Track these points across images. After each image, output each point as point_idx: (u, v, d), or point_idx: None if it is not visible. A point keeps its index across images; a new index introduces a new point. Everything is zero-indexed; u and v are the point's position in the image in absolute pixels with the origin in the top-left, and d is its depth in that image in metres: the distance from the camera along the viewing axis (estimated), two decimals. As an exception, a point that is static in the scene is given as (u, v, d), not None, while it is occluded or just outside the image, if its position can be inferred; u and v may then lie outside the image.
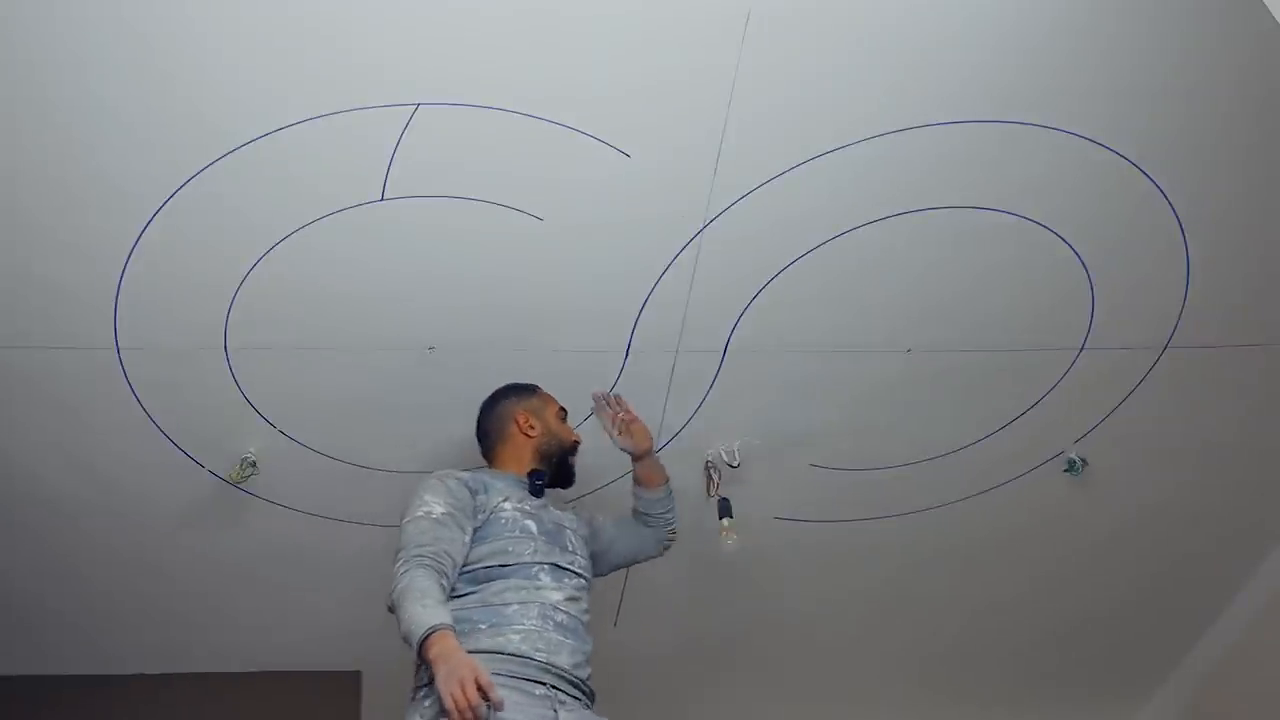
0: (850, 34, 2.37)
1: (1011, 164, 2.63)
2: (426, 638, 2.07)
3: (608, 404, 2.87)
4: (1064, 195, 2.71)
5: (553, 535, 2.49)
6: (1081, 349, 3.02)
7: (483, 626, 2.26)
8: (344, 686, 3.59)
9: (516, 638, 2.24)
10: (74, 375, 2.70)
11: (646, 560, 2.92)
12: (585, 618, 2.44)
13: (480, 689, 2.00)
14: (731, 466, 3.10)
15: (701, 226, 2.66)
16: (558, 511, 2.60)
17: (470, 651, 2.11)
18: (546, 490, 2.62)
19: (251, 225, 2.53)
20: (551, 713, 2.17)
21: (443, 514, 2.36)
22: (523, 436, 2.68)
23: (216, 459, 2.91)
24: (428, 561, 2.23)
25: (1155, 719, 4.09)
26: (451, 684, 1.98)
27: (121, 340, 2.66)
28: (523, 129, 2.43)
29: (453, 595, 2.28)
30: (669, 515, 2.89)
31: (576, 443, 2.73)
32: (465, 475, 2.52)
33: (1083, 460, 3.23)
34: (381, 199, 2.52)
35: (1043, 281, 2.87)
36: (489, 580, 2.34)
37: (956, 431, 3.17)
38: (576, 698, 2.28)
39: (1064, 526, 3.46)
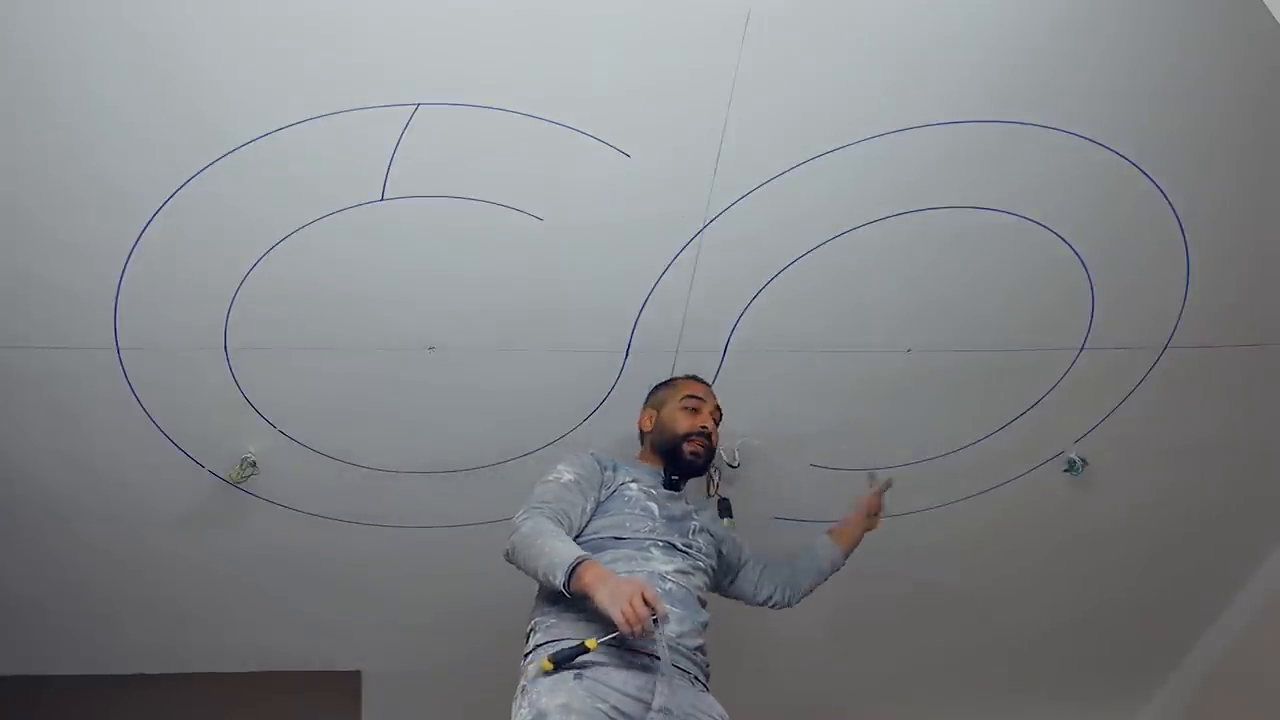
0: (850, 34, 2.37)
1: (1011, 164, 2.63)
2: (575, 568, 2.12)
3: (878, 487, 3.05)
4: (1064, 195, 2.71)
5: (674, 521, 2.50)
6: (1081, 349, 3.02)
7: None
8: (344, 686, 3.59)
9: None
10: (74, 375, 2.70)
11: (756, 602, 2.83)
12: (699, 592, 2.43)
13: (647, 602, 2.06)
14: (731, 466, 3.09)
15: (701, 226, 2.66)
16: (688, 506, 2.60)
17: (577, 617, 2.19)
18: (697, 496, 2.69)
19: (251, 225, 2.53)
20: (651, 683, 2.16)
21: (570, 480, 2.45)
22: (644, 433, 2.74)
23: (216, 459, 2.91)
24: (548, 512, 2.32)
25: (1155, 719, 4.09)
26: (620, 600, 2.05)
27: (121, 341, 2.66)
28: (523, 129, 2.44)
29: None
30: (820, 581, 2.90)
31: (689, 433, 2.65)
32: (602, 455, 2.59)
33: (1083, 460, 3.23)
34: (382, 199, 2.52)
35: (1043, 281, 2.87)
36: (601, 550, 2.35)
37: (956, 431, 3.17)
38: (684, 670, 2.26)
39: (1064, 526, 3.46)
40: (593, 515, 2.44)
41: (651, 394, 2.79)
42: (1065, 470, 3.26)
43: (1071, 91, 2.52)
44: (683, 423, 2.67)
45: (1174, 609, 3.79)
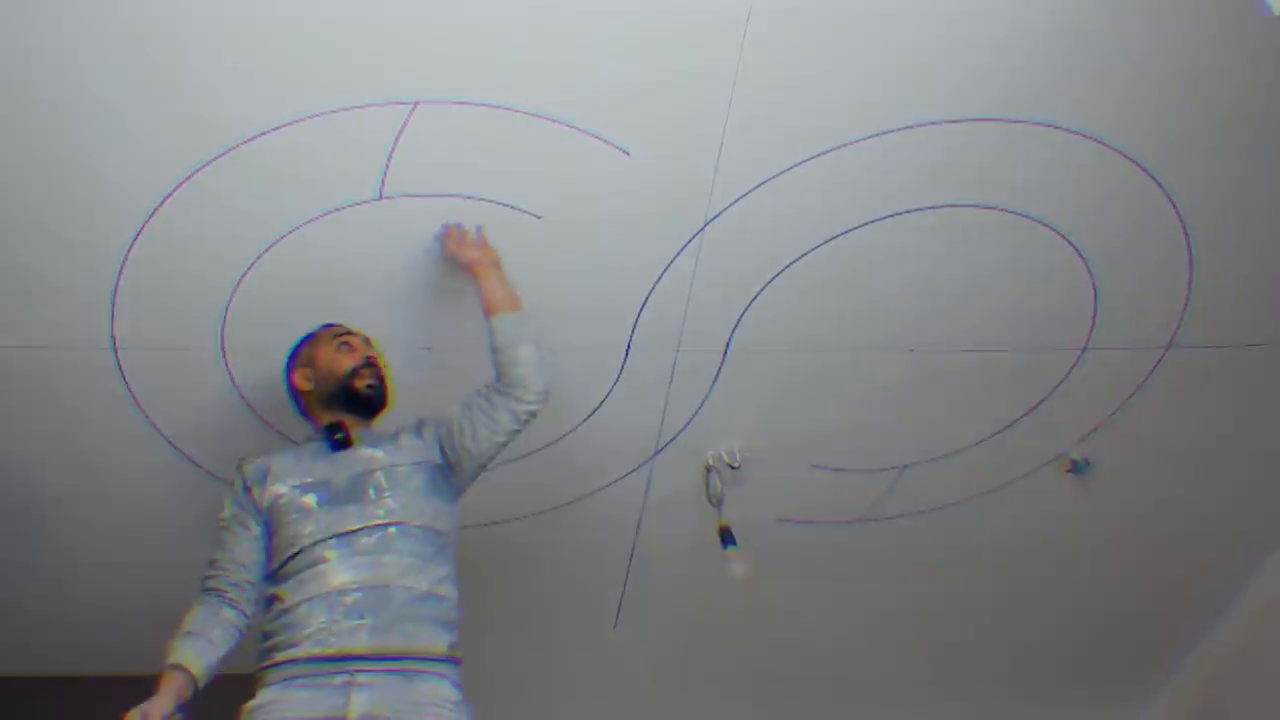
0: (850, 33, 2.37)
1: (1013, 163, 2.63)
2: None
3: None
4: (1066, 194, 2.71)
5: (343, 494, 2.33)
6: (1084, 349, 3.01)
7: (282, 638, 2.23)
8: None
9: (306, 642, 2.20)
10: (71, 375, 2.70)
11: (508, 439, 2.45)
12: (415, 545, 2.28)
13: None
14: (732, 467, 3.09)
15: (702, 226, 2.66)
16: (369, 451, 2.40)
17: (278, 664, 2.20)
18: (364, 427, 2.47)
19: (249, 224, 2.53)
20: (343, 699, 2.13)
21: (228, 517, 2.39)
22: (304, 394, 2.51)
23: (215, 459, 2.91)
24: (212, 585, 2.33)
25: (1156, 719, 4.08)
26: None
27: (119, 340, 2.65)
28: (522, 126, 2.43)
29: (268, 604, 2.31)
30: (518, 363, 2.43)
31: (354, 367, 2.47)
32: (251, 465, 2.43)
33: (1086, 460, 3.22)
34: (379, 197, 2.52)
35: (1045, 281, 2.87)
36: (285, 579, 2.28)
37: (959, 431, 3.16)
38: (389, 672, 2.18)
39: (1067, 527, 3.46)
40: (270, 533, 2.34)
41: (293, 358, 2.55)
42: (1068, 470, 3.25)
43: (1074, 91, 2.51)
44: (343, 362, 2.48)
45: (1176, 609, 3.78)
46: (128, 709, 3.46)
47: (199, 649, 2.25)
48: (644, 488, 3.16)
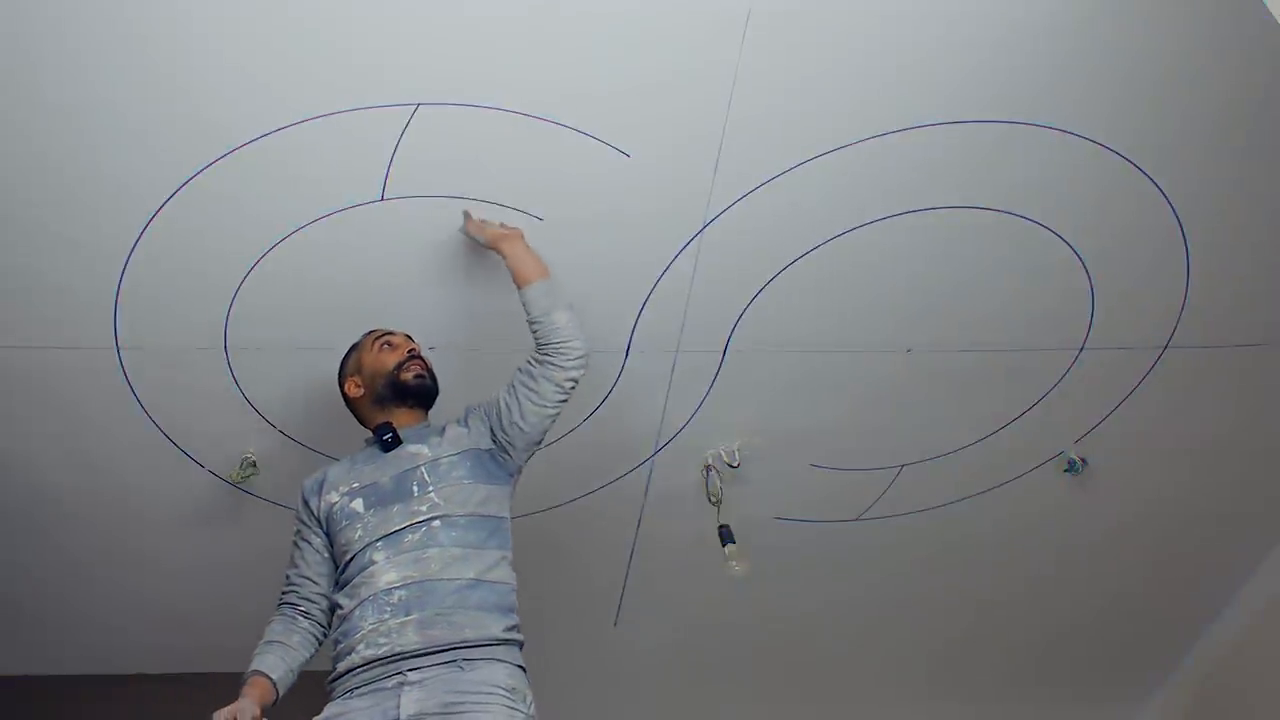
0: (850, 34, 2.38)
1: (1012, 164, 2.63)
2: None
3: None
4: (1064, 195, 2.71)
5: (389, 494, 2.36)
6: (1082, 349, 3.02)
7: (342, 647, 2.27)
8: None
9: (361, 645, 2.22)
10: (74, 375, 2.70)
11: (556, 410, 2.46)
12: (452, 553, 2.28)
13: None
14: (732, 467, 3.10)
15: (701, 226, 2.66)
16: (415, 448, 2.42)
17: (340, 675, 2.24)
18: (415, 424, 2.49)
19: (252, 225, 2.53)
20: (394, 701, 2.15)
21: (295, 535, 2.44)
22: (357, 401, 2.52)
23: (216, 459, 2.91)
24: (288, 602, 2.38)
25: (1155, 719, 4.09)
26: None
27: (121, 340, 2.66)
28: (522, 129, 2.44)
29: (333, 612, 2.36)
30: (556, 329, 2.42)
31: (400, 362, 2.49)
32: (310, 479, 2.47)
33: (1083, 460, 3.23)
34: (381, 199, 2.52)
35: (1043, 281, 2.87)
36: (346, 584, 2.32)
37: (957, 431, 3.17)
38: (441, 664, 2.19)
39: (1064, 526, 3.46)
40: (331, 542, 2.39)
41: (342, 369, 2.56)
42: (1065, 470, 3.26)
43: (1071, 91, 2.52)
44: (388, 360, 2.50)
45: (1174, 608, 3.79)
46: (128, 709, 3.49)
47: (278, 657, 2.28)
48: (644, 487, 3.17)
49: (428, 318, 2.73)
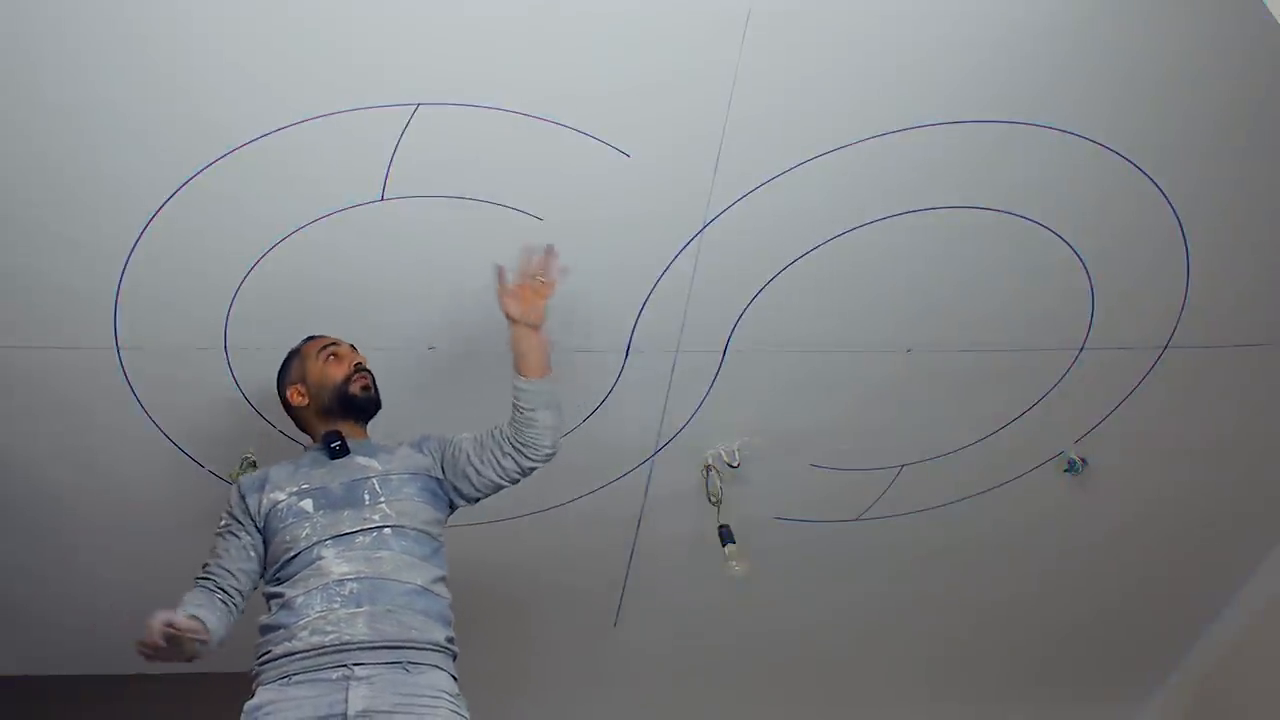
0: (850, 34, 2.37)
1: (1012, 164, 2.63)
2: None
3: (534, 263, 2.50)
4: (1064, 195, 2.71)
5: (339, 499, 2.36)
6: (1082, 349, 3.02)
7: (281, 631, 2.26)
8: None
9: (305, 632, 2.22)
10: (74, 375, 2.71)
11: (510, 485, 2.52)
12: (402, 559, 2.30)
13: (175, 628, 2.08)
14: (731, 467, 3.10)
15: (701, 226, 2.66)
16: (365, 460, 2.43)
17: (276, 658, 2.22)
18: (359, 438, 2.50)
19: (251, 225, 2.53)
20: (341, 695, 2.14)
21: (221, 526, 2.43)
22: (302, 410, 2.53)
23: (216, 459, 2.91)
24: (206, 582, 2.35)
25: (1155, 719, 4.09)
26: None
27: (121, 340, 2.66)
28: (522, 129, 2.44)
29: (268, 602, 2.35)
30: (536, 427, 2.44)
31: (347, 376, 2.50)
32: (248, 477, 2.48)
33: (1083, 460, 3.23)
34: (381, 199, 2.52)
35: (1043, 281, 2.87)
36: (282, 580, 2.32)
37: (957, 431, 3.17)
38: (387, 663, 2.20)
39: (1064, 526, 3.46)
40: (266, 542, 2.38)
41: (283, 375, 2.56)
42: (1065, 470, 3.26)
43: (1071, 91, 2.52)
44: (334, 371, 2.50)
45: (1173, 609, 3.79)
46: (128, 709, 3.49)
47: (206, 615, 2.24)
48: (644, 487, 3.17)
49: (428, 318, 2.74)
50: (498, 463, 2.47)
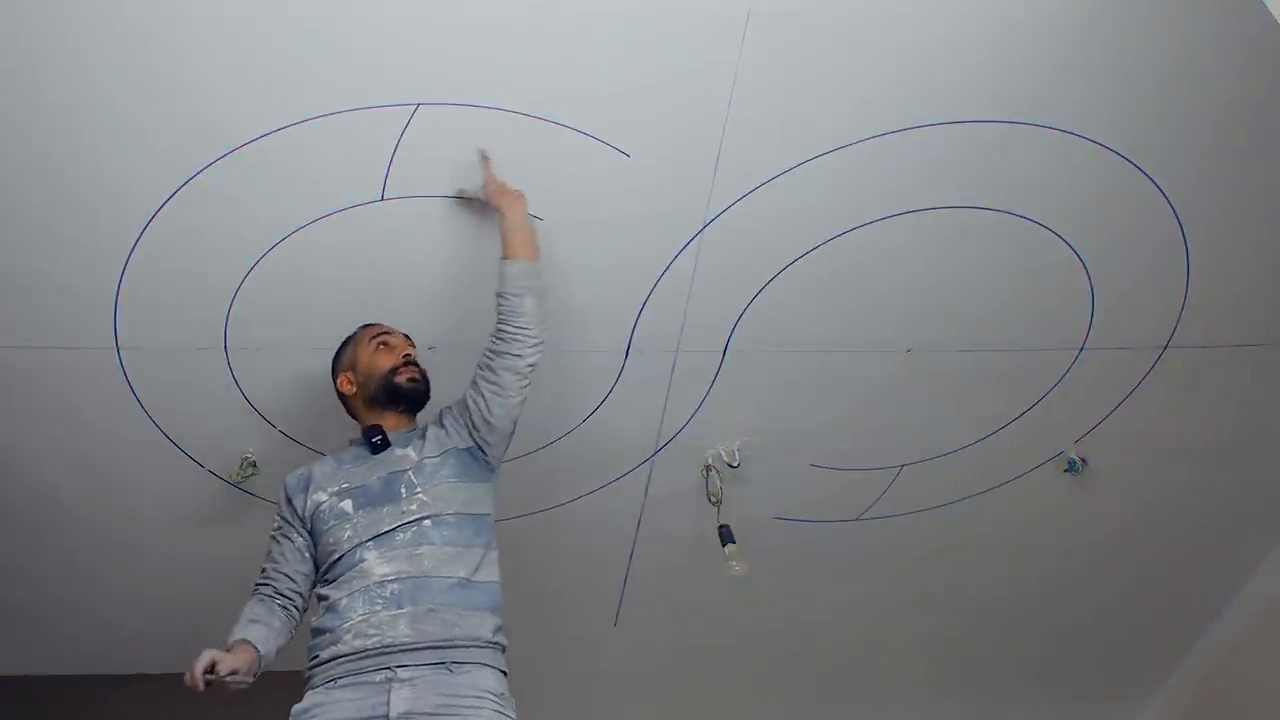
0: (850, 34, 2.38)
1: (1012, 164, 2.63)
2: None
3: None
4: (1064, 195, 2.71)
5: (378, 495, 2.37)
6: (1082, 349, 3.02)
7: (328, 635, 2.27)
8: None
9: (348, 635, 2.23)
10: (74, 375, 2.70)
11: (520, 397, 2.45)
12: (444, 552, 2.30)
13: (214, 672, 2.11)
14: (731, 467, 3.10)
15: (701, 226, 2.66)
16: (403, 451, 2.43)
17: (323, 663, 2.24)
18: (405, 426, 2.50)
19: (252, 225, 2.53)
20: (384, 697, 2.16)
21: (274, 530, 2.44)
22: (350, 399, 2.53)
23: (216, 459, 2.91)
24: (262, 591, 2.37)
25: (1155, 719, 4.09)
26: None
27: (121, 340, 2.66)
28: (522, 129, 2.44)
29: (319, 601, 2.36)
30: (520, 312, 2.42)
31: (395, 366, 2.49)
32: (293, 477, 2.47)
33: (1083, 460, 3.23)
34: (381, 199, 2.52)
35: (1043, 281, 2.87)
36: (329, 583, 2.34)
37: (957, 431, 3.17)
38: (431, 664, 2.20)
39: (1064, 526, 3.46)
40: (315, 540, 2.39)
41: (336, 363, 2.57)
42: (1065, 470, 3.26)
43: (1071, 91, 2.52)
44: (383, 361, 2.50)
45: (1173, 609, 3.79)
46: (128, 709, 3.49)
47: (262, 633, 2.27)
48: (644, 487, 3.17)
49: (428, 318, 2.73)
50: (498, 385, 2.43)
